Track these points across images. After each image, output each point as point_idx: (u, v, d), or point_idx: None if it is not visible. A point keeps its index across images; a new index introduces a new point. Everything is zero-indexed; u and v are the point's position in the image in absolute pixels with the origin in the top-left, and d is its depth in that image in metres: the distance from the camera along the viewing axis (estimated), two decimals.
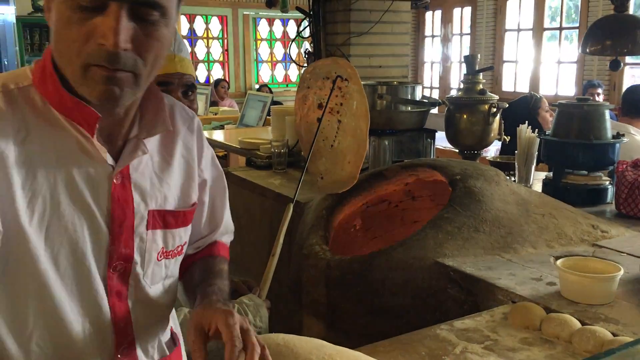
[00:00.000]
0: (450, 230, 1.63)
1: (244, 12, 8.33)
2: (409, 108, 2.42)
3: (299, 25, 3.11)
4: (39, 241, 0.85)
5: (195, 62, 8.31)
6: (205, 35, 8.35)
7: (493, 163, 2.60)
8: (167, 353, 1.06)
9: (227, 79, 8.17)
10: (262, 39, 8.66)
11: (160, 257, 0.98)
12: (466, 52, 8.61)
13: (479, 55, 2.36)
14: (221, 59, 8.49)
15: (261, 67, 8.69)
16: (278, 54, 8.82)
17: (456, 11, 8.73)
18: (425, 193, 2.12)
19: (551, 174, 2.18)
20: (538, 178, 2.32)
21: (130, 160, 0.91)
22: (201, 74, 8.39)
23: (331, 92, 1.91)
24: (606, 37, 1.63)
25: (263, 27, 8.65)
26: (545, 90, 7.39)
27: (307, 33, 2.91)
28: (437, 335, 1.17)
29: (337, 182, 2.00)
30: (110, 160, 0.89)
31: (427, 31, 9.42)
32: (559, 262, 1.30)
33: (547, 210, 1.75)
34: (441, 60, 8.96)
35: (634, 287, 1.33)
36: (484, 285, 1.40)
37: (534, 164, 2.29)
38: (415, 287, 1.54)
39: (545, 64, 7.31)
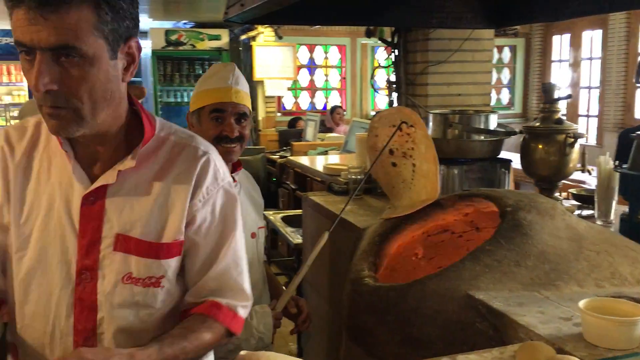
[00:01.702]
0: (489, 263, 1.58)
1: (362, 42, 8.51)
2: (482, 137, 2.37)
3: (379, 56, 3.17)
4: (29, 238, 1.05)
5: (314, 89, 8.62)
6: (324, 64, 8.64)
7: (576, 196, 2.47)
8: None
9: (343, 106, 8.37)
10: (379, 67, 8.78)
11: (127, 280, 1.04)
12: (596, 77, 8.13)
13: (556, 84, 2.26)
14: (339, 86, 8.72)
15: (377, 94, 8.79)
16: None
17: (585, 34, 8.30)
18: (490, 224, 2.06)
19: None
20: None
21: (97, 185, 1.04)
22: (319, 101, 8.67)
23: (393, 135, 1.98)
24: None
25: (382, 56, 8.77)
26: None
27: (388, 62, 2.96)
28: None
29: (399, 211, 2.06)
30: (85, 182, 1.04)
31: (555, 55, 9.03)
32: (582, 302, 1.23)
33: (604, 248, 1.64)
34: (569, 85, 8.52)
35: None
36: (507, 321, 1.35)
37: (615, 198, 2.14)
38: (445, 318, 1.52)
39: None
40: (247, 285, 1.21)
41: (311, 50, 8.53)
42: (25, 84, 9.34)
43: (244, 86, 1.80)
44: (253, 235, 1.93)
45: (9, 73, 9.22)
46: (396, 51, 2.86)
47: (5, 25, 8.34)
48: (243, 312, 1.19)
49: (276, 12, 2.13)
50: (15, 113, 7.73)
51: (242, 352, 1.11)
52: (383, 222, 2.05)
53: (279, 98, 8.12)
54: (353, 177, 2.75)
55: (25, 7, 0.88)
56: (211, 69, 1.84)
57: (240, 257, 1.19)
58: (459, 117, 2.39)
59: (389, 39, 3.05)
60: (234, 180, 1.88)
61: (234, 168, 1.88)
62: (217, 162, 1.16)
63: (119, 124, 1.06)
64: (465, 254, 2.15)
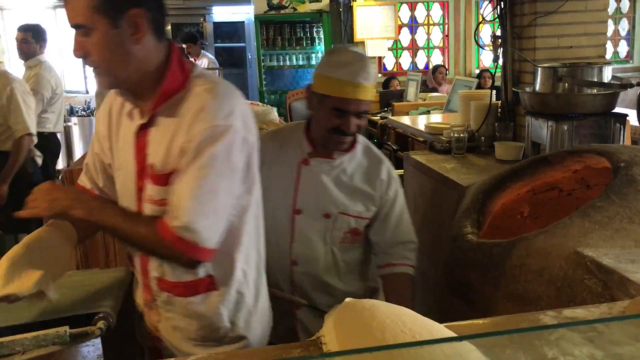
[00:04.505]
0: (599, 219, 1.53)
1: None
2: (595, 90, 2.26)
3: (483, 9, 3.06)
4: None
5: (415, 48, 8.44)
6: (425, 22, 8.42)
7: None
8: None
9: (446, 65, 8.14)
10: (484, 22, 8.42)
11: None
12: None
13: None
14: (441, 44, 8.48)
15: (482, 52, 8.47)
16: None
17: None
18: (602, 181, 1.98)
19: None
20: None
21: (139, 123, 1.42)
22: (420, 60, 8.50)
23: None
24: None
25: (487, 10, 8.40)
26: None
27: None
28: (538, 319, 1.15)
29: None
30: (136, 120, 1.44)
31: None
32: None
33: None
34: None
35: None
36: (617, 278, 1.31)
37: None
38: (551, 275, 1.49)
39: None
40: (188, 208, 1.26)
41: (412, 8, 8.32)
42: None
43: (371, 80, 1.75)
44: (327, 215, 1.83)
45: None
46: (502, 3, 2.75)
47: None
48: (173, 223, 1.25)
49: None
50: None
51: (348, 299, 1.16)
52: (487, 180, 2.02)
53: (380, 58, 8.03)
54: (456, 135, 2.72)
55: None
56: (344, 55, 1.76)
57: (201, 186, 1.24)
58: (568, 69, 2.28)
59: None
60: (333, 157, 1.83)
61: (349, 147, 1.85)
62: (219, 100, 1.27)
63: (147, 79, 1.28)
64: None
